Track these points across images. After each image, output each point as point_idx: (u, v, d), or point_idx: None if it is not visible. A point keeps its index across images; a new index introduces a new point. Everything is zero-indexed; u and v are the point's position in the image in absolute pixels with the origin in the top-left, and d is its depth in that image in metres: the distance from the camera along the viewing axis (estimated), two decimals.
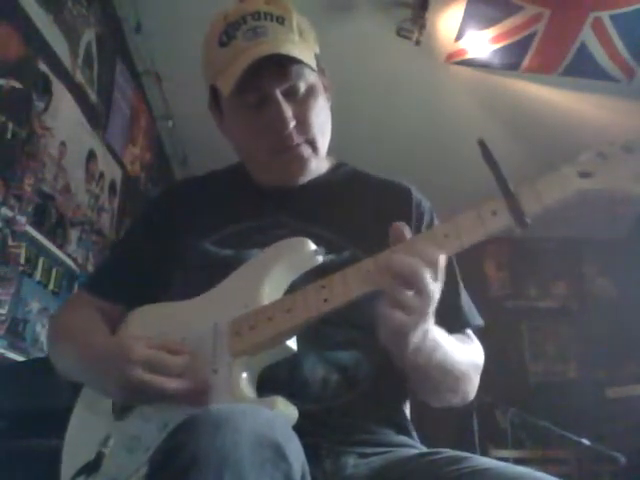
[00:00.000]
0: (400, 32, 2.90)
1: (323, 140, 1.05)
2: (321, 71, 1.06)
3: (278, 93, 0.98)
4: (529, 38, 3.01)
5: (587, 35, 2.97)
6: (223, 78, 0.98)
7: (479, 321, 1.06)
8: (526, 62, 3.16)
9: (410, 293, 0.74)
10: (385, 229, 0.82)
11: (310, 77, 1.02)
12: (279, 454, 0.62)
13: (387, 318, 0.75)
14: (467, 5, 2.86)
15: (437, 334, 0.84)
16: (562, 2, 2.85)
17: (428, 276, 0.74)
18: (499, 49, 3.10)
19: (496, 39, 3.04)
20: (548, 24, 2.92)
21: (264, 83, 0.97)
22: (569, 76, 3.23)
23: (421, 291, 0.74)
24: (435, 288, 0.75)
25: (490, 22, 2.96)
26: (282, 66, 0.97)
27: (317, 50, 1.07)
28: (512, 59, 3.16)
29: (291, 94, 0.99)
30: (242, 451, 0.60)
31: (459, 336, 1.00)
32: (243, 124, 1.03)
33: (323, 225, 1.00)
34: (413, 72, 3.32)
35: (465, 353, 0.95)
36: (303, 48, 1.00)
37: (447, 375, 0.91)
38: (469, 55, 3.17)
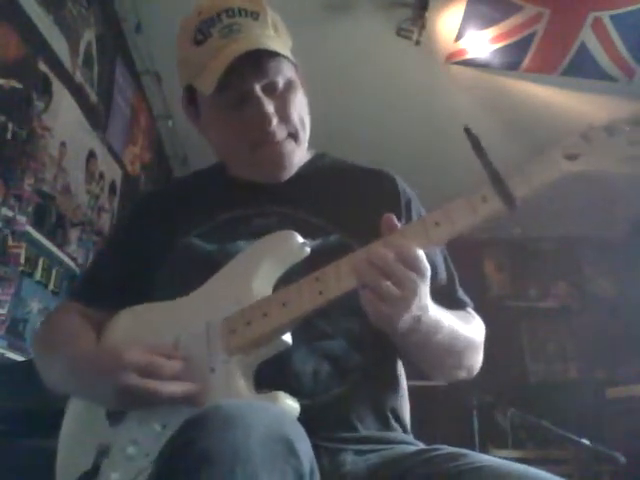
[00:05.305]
0: (400, 32, 2.90)
1: (304, 133, 1.06)
2: (295, 67, 1.06)
3: (258, 89, 0.98)
4: (529, 38, 3.01)
5: (587, 35, 2.97)
6: (203, 77, 0.98)
7: (471, 305, 1.09)
8: (526, 62, 3.16)
9: (388, 284, 0.74)
10: (372, 213, 0.82)
11: (288, 72, 1.02)
12: (290, 449, 0.63)
13: (369, 310, 0.76)
14: (467, 5, 2.86)
15: (438, 314, 0.85)
16: (562, 2, 2.84)
17: (402, 266, 0.74)
18: (499, 49, 3.10)
19: (496, 39, 3.04)
20: (548, 24, 2.92)
21: (243, 80, 0.97)
22: (569, 76, 3.23)
23: (399, 282, 0.74)
24: (416, 278, 0.75)
25: (490, 22, 2.96)
26: (260, 62, 0.97)
27: (290, 45, 1.06)
28: (512, 59, 3.16)
29: (270, 90, 1.00)
30: (253, 446, 0.60)
31: (460, 313, 1.01)
32: (224, 122, 1.03)
33: (309, 210, 1.00)
34: (413, 72, 3.32)
35: (466, 329, 0.96)
36: (279, 42, 1.00)
37: (450, 353, 0.93)
38: (469, 55, 3.17)
